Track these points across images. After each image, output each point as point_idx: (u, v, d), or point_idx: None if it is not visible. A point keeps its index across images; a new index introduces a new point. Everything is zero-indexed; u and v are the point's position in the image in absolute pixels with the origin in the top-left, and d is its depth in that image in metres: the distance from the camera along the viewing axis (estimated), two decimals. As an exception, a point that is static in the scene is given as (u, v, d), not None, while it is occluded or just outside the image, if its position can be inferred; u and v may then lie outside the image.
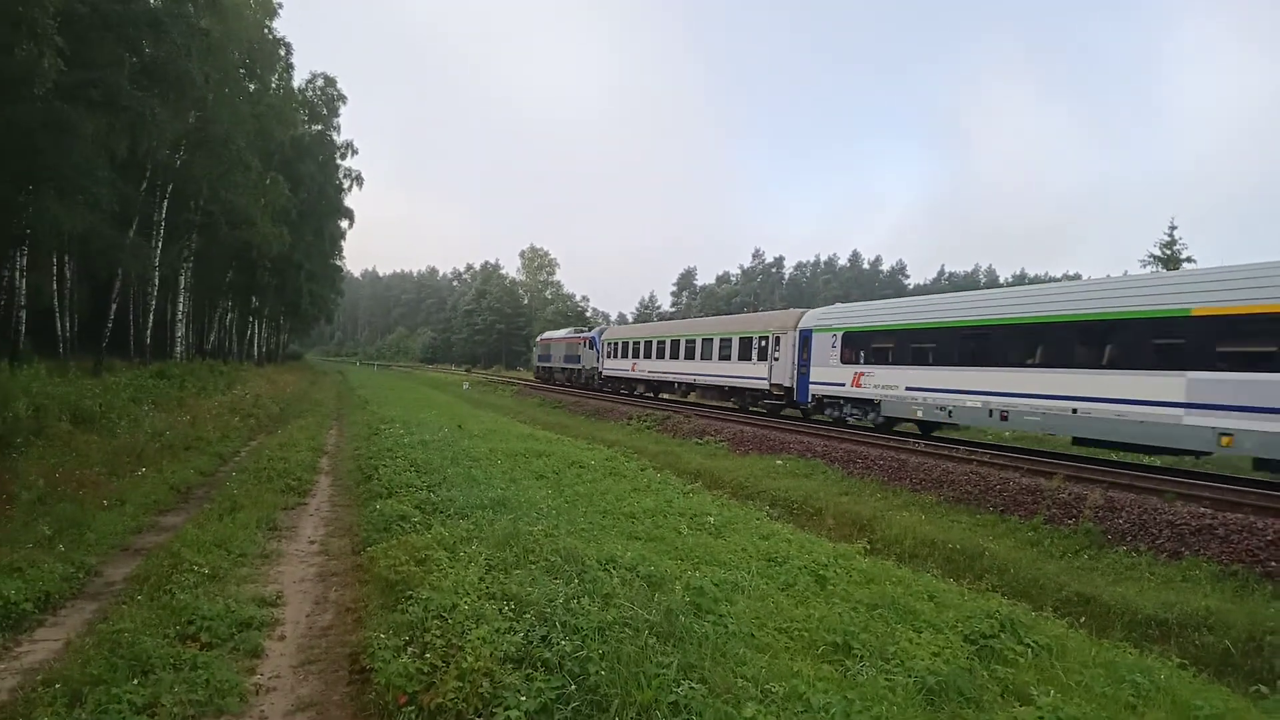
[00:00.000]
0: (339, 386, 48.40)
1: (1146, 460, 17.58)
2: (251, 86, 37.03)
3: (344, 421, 25.37)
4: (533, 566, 6.84)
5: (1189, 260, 65.96)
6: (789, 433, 22.44)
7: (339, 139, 53.70)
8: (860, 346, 23.45)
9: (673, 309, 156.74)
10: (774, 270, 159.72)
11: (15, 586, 6.62)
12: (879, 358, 22.65)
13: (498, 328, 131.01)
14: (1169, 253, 68.59)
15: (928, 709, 4.96)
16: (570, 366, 51.55)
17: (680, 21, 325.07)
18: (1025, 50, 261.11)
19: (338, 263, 69.22)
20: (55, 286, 25.85)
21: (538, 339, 67.05)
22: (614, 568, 6.97)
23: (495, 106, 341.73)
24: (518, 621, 5.40)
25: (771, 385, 28.29)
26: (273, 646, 6.19)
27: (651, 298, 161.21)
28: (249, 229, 34.71)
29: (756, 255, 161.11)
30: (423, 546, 7.66)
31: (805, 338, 26.23)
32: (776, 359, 28.01)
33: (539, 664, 4.81)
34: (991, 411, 18.40)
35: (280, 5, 38.69)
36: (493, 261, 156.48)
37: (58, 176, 18.04)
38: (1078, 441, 17.40)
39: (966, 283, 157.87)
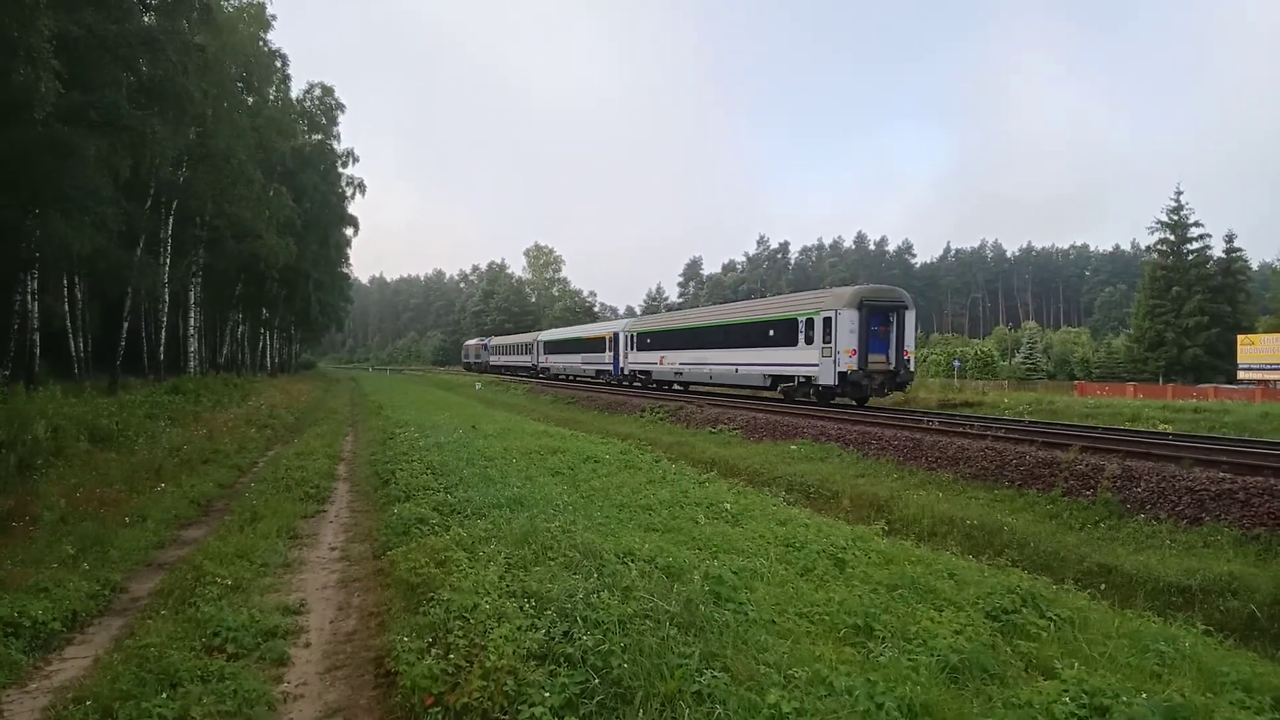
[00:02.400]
0: (353, 393, 48.58)
1: (1162, 427, 18.43)
2: (250, 100, 37.16)
3: (359, 428, 25.49)
4: (551, 563, 6.86)
5: (1196, 224, 65.71)
6: (802, 417, 22.41)
7: (339, 147, 53.93)
8: (550, 349, 61.11)
9: (680, 299, 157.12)
10: (779, 256, 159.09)
11: (42, 606, 6.69)
12: (552, 350, 60.05)
13: (506, 327, 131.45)
14: (1175, 218, 68.26)
15: (951, 687, 4.96)
16: (479, 361, 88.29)
17: (688, 10, 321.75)
18: (1050, 21, 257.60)
19: (345, 270, 69.65)
20: (67, 308, 26.06)
21: (465, 344, 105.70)
22: (632, 560, 6.98)
23: (497, 104, 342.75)
24: (539, 618, 5.41)
25: (532, 364, 65.81)
26: (298, 654, 6.25)
27: (659, 289, 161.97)
28: (255, 241, 34.89)
29: (761, 242, 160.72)
30: (442, 548, 7.69)
31: (541, 344, 63.78)
32: (530, 353, 66.70)
33: (562, 660, 4.83)
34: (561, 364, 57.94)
35: (274, 17, 38.85)
36: (498, 261, 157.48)
37: (63, 199, 18.15)
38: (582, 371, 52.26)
39: (973, 258, 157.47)
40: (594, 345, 50.26)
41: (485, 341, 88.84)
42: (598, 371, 49.60)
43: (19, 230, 18.44)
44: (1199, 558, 9.48)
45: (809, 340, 26.52)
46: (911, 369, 26.59)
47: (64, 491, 10.48)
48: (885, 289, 27.36)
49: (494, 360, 79.94)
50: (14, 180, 17.19)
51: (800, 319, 27.12)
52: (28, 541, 8.63)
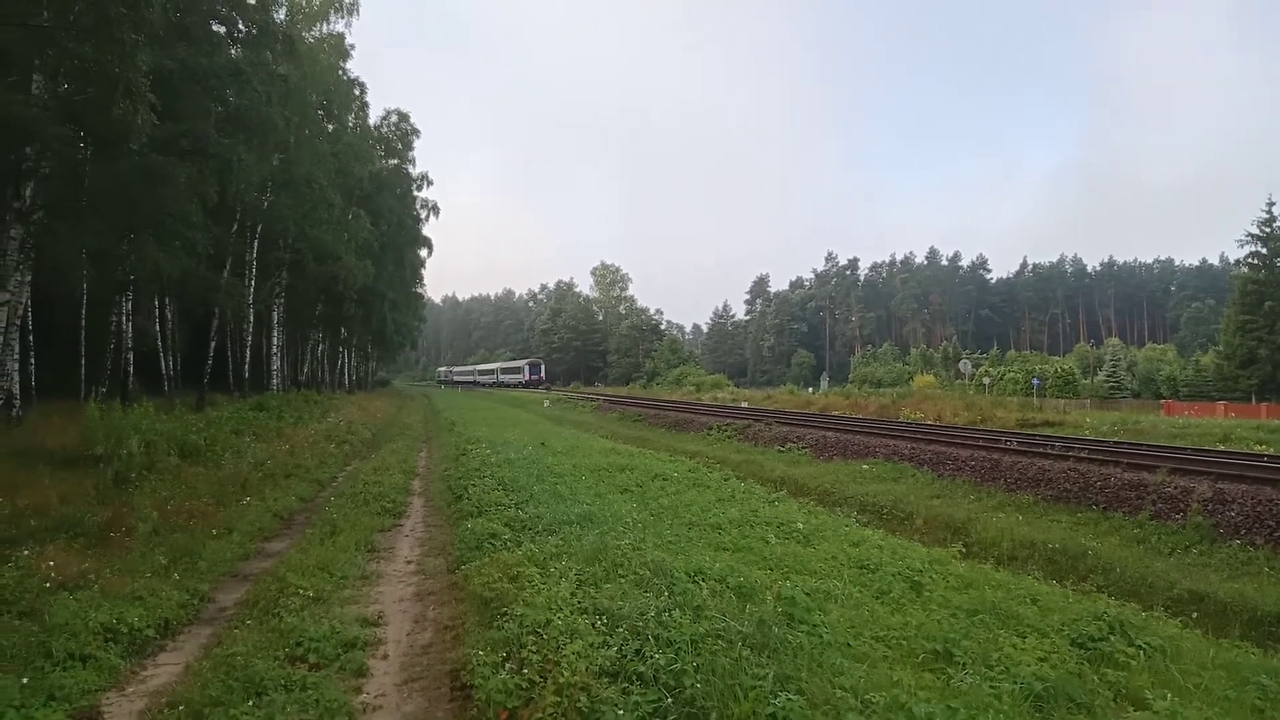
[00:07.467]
0: (426, 410, 49.55)
1: (1258, 448, 18.08)
2: (330, 127, 38.26)
3: (432, 444, 25.97)
4: (622, 580, 6.86)
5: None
6: (874, 436, 22.03)
7: (414, 171, 55.20)
8: (480, 374, 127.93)
9: (746, 317, 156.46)
10: (848, 272, 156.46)
11: (138, 613, 6.99)
12: (481, 374, 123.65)
13: (574, 345, 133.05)
14: (1268, 230, 65.21)
15: (1036, 716, 4.81)
16: (447, 380, 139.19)
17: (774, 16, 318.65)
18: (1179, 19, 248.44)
19: (419, 290, 71.17)
20: (158, 328, 27.15)
21: (438, 369, 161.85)
22: (703, 579, 6.95)
23: (573, 127, 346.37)
24: (611, 636, 5.42)
25: (473, 380, 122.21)
26: (376, 665, 6.38)
27: (725, 306, 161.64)
28: (335, 263, 35.80)
29: (830, 258, 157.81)
30: (514, 563, 7.78)
31: (476, 370, 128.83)
32: (471, 376, 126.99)
33: (634, 677, 4.82)
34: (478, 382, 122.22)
35: (353, 47, 40.03)
36: (566, 280, 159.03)
37: (155, 224, 18.98)
38: (498, 385, 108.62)
39: (1051, 273, 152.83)
40: (490, 373, 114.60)
41: (450, 369, 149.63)
42: (490, 384, 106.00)
43: (115, 255, 19.37)
44: (1302, 587, 8.99)
45: (517, 372, 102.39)
46: (544, 379, 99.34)
47: (156, 504, 10.92)
48: (537, 358, 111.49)
49: (455, 378, 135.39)
50: (112, 208, 18.08)
51: (520, 365, 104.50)
52: (124, 551, 9.02)
